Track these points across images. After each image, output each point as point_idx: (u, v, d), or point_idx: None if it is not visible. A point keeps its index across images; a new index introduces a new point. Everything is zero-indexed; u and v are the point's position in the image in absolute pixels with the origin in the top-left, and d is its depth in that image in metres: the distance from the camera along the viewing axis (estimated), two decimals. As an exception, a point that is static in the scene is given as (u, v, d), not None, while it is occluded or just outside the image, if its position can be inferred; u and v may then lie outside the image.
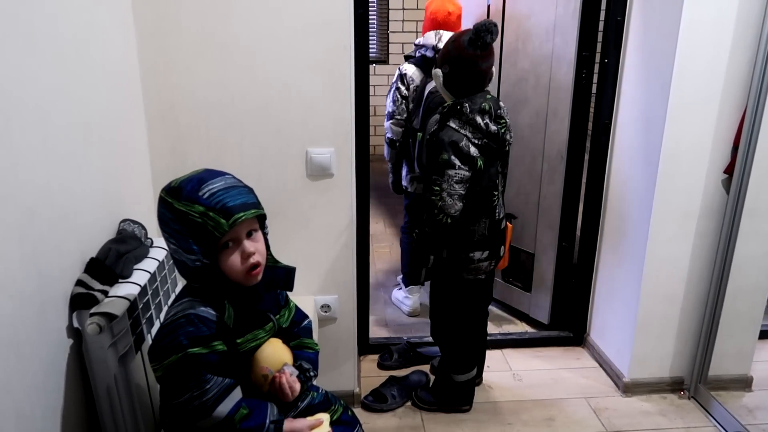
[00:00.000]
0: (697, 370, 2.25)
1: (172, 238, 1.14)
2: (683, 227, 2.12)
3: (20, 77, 1.11)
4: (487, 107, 1.84)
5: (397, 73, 2.61)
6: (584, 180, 2.53)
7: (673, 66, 1.93)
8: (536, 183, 2.63)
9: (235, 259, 1.16)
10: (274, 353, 1.27)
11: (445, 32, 2.51)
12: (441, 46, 2.44)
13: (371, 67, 5.01)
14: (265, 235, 1.24)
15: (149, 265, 1.47)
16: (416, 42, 2.60)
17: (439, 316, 2.14)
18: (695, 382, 2.26)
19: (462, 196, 1.82)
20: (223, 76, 1.80)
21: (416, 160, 2.54)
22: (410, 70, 2.56)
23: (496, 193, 1.93)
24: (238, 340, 1.20)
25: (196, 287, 1.18)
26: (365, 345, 2.52)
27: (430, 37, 2.52)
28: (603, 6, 2.34)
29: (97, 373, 1.26)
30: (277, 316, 1.33)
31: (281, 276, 1.29)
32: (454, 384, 2.15)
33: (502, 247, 2.05)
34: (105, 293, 1.29)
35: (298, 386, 1.25)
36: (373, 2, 5.32)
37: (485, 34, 1.78)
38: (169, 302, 1.36)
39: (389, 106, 2.64)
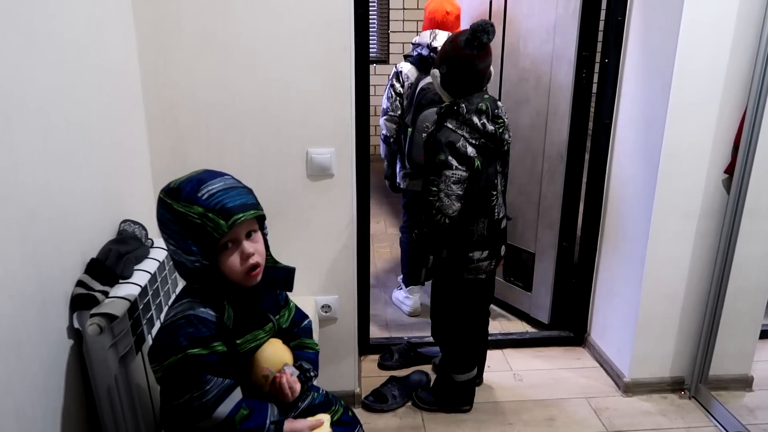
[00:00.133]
0: (698, 370, 2.25)
1: (171, 239, 1.14)
2: (684, 227, 2.12)
3: (20, 77, 1.11)
4: (484, 107, 1.84)
5: (393, 70, 2.65)
6: (584, 180, 2.53)
7: (674, 66, 1.93)
8: (537, 183, 2.63)
9: (234, 259, 1.16)
10: (275, 353, 1.27)
11: (441, 31, 2.54)
12: (436, 44, 2.47)
13: (371, 67, 5.00)
14: (264, 235, 1.24)
15: (150, 265, 1.47)
16: (413, 41, 2.63)
17: (439, 316, 2.14)
18: (696, 382, 2.26)
19: (460, 196, 1.82)
20: (223, 76, 1.80)
21: (406, 156, 2.56)
22: (406, 67, 2.60)
23: (494, 192, 1.93)
24: (238, 341, 1.20)
25: (195, 288, 1.18)
26: (366, 345, 2.52)
27: (425, 36, 2.56)
28: (603, 6, 2.33)
29: (97, 374, 1.26)
30: (277, 317, 1.33)
31: (281, 276, 1.29)
32: (454, 384, 2.15)
33: (503, 246, 2.05)
34: (105, 294, 1.29)
35: (298, 386, 1.25)
36: (374, 2, 5.32)
37: (482, 34, 1.79)
38: (170, 303, 1.36)
39: (384, 103, 2.69)
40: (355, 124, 1.93)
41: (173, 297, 1.53)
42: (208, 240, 1.11)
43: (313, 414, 1.32)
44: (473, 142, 1.83)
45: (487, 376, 2.39)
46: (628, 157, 2.25)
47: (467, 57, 1.83)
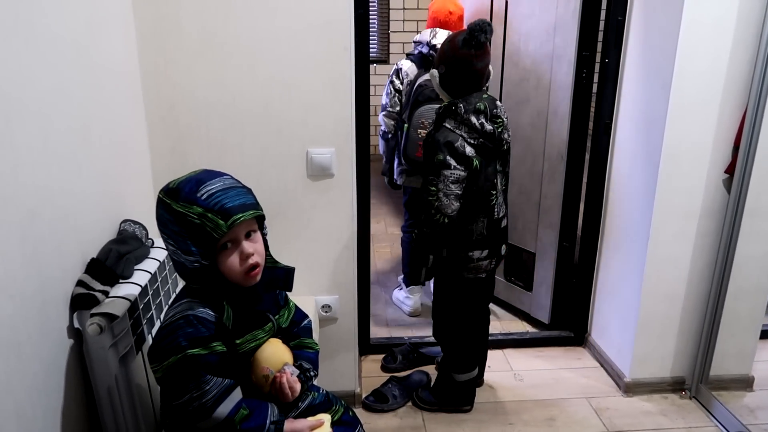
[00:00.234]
0: (699, 370, 2.25)
1: (170, 239, 1.14)
2: (684, 227, 2.12)
3: (21, 78, 1.11)
4: (482, 107, 1.84)
5: (394, 68, 2.67)
6: (585, 180, 2.53)
7: (674, 66, 1.93)
8: (537, 182, 2.63)
9: (233, 260, 1.16)
10: (275, 353, 1.27)
11: (441, 30, 2.56)
12: (435, 42, 2.48)
13: (372, 66, 5.00)
14: (264, 235, 1.24)
15: (150, 265, 1.47)
16: (414, 39, 2.66)
17: (440, 315, 2.14)
18: (696, 382, 2.26)
19: (458, 195, 1.83)
20: (223, 76, 1.80)
21: (402, 153, 2.58)
22: (406, 65, 2.63)
23: (494, 192, 1.93)
24: (238, 341, 1.20)
25: (194, 288, 1.18)
26: (366, 345, 2.52)
27: (425, 34, 2.58)
28: (603, 6, 2.33)
29: (97, 374, 1.26)
30: (277, 316, 1.33)
31: (280, 276, 1.29)
32: (455, 383, 2.15)
33: (504, 246, 2.05)
34: (106, 294, 1.29)
35: (298, 386, 1.25)
36: (374, 2, 5.31)
37: (479, 33, 1.80)
38: (169, 303, 1.36)
39: (383, 99, 2.72)
40: (356, 124, 1.93)
41: (173, 297, 1.53)
42: (208, 240, 1.11)
43: (313, 414, 1.32)
44: (472, 141, 1.83)
45: (488, 376, 2.39)
46: (628, 157, 2.25)
47: (465, 56, 1.83)
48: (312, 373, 1.32)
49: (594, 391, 2.33)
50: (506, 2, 2.63)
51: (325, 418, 1.30)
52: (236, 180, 1.19)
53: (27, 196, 1.11)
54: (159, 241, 1.57)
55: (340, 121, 1.87)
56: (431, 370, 2.42)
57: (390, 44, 5.50)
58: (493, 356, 2.49)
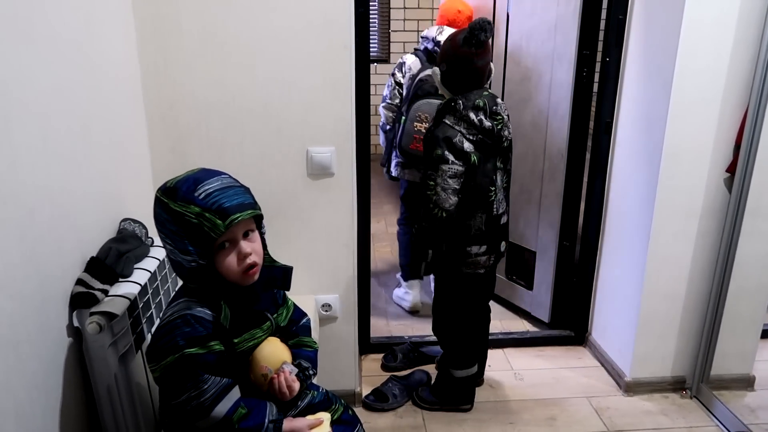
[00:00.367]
0: (699, 369, 2.24)
1: (168, 238, 1.14)
2: (685, 226, 2.11)
3: (20, 77, 1.11)
4: (481, 104, 1.86)
5: (398, 61, 2.71)
6: (585, 179, 2.53)
7: (675, 64, 1.92)
8: (538, 181, 2.63)
9: (231, 259, 1.15)
10: (274, 352, 1.27)
11: (448, 28, 2.60)
12: (441, 39, 2.51)
13: (372, 66, 5.00)
14: (262, 234, 1.24)
15: (149, 264, 1.47)
16: (422, 34, 2.70)
17: (440, 310, 2.14)
18: (697, 381, 2.26)
19: (456, 190, 1.84)
20: (223, 76, 1.80)
21: (397, 145, 2.59)
22: (410, 59, 2.66)
23: (492, 188, 1.93)
24: (236, 340, 1.20)
25: (192, 287, 1.18)
26: (366, 344, 2.52)
27: (432, 30, 2.62)
28: (604, 4, 2.33)
29: (97, 373, 1.26)
30: (275, 315, 1.33)
31: (278, 275, 1.29)
32: (454, 380, 2.14)
33: (504, 242, 2.05)
34: (105, 292, 1.29)
35: (297, 385, 1.25)
36: (374, 1, 5.31)
37: (479, 32, 1.82)
38: (168, 302, 1.36)
39: (384, 91, 2.75)
40: (356, 123, 1.93)
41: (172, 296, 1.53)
42: (205, 240, 1.11)
43: (312, 413, 1.32)
44: (470, 137, 1.85)
45: (488, 375, 2.39)
46: (629, 155, 2.24)
47: (466, 55, 1.85)
48: (311, 372, 1.32)
49: (594, 391, 2.33)
50: (508, 1, 2.63)
51: (325, 416, 1.30)
52: (234, 179, 1.19)
53: (27, 195, 1.11)
54: (159, 240, 1.57)
55: (340, 120, 1.87)
56: (431, 369, 2.42)
57: (390, 43, 5.51)
58: (494, 355, 2.49)
